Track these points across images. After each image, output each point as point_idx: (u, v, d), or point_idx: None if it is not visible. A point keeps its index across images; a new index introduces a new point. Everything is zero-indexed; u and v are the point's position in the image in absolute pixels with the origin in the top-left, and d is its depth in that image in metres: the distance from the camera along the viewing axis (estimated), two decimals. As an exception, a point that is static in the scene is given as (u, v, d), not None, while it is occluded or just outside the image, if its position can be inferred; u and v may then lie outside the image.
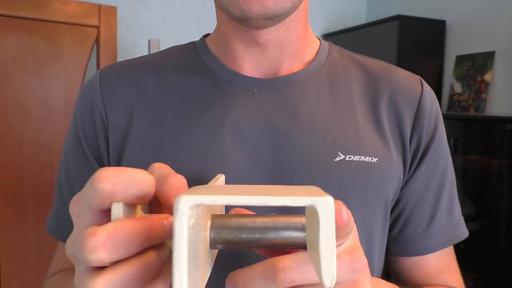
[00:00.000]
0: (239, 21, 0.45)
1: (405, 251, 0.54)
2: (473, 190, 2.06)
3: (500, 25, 2.29)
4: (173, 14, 2.69)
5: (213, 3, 2.73)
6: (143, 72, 0.53)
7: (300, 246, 0.27)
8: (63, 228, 0.53)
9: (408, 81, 0.54)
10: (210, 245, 0.27)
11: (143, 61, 0.55)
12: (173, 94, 0.51)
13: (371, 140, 0.49)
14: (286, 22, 0.48)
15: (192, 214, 0.23)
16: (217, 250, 0.30)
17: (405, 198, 0.53)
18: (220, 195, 0.23)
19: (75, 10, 2.34)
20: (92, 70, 2.45)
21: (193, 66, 0.53)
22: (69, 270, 0.52)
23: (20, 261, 2.25)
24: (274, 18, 0.44)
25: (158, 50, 2.60)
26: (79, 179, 0.52)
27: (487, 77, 2.32)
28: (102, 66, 2.43)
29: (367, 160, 0.48)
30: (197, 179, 0.45)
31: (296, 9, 0.46)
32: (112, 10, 2.44)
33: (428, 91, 0.54)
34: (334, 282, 0.23)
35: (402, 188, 0.53)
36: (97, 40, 2.43)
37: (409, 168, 0.52)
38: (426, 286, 0.54)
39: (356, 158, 0.48)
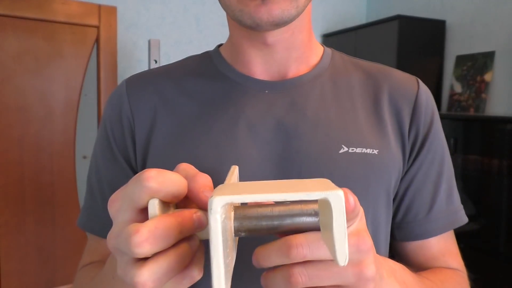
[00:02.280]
0: (250, 28, 0.50)
1: (409, 235, 0.59)
2: (473, 190, 2.06)
3: (500, 25, 2.29)
4: (173, 14, 2.69)
5: (213, 3, 2.74)
6: (164, 80, 0.59)
7: (313, 229, 0.31)
8: (94, 222, 0.59)
9: (405, 80, 0.60)
10: (234, 233, 0.31)
11: (163, 70, 0.61)
12: (191, 98, 0.57)
13: (372, 134, 0.55)
14: (291, 28, 0.54)
15: (222, 211, 0.27)
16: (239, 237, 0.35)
17: (406, 186, 0.58)
18: (246, 194, 0.27)
19: (75, 10, 2.34)
20: (92, 70, 2.45)
21: (208, 73, 0.59)
22: (99, 262, 0.57)
23: (20, 261, 2.25)
24: (281, 25, 0.50)
25: (158, 50, 2.61)
26: (108, 177, 0.58)
27: (487, 77, 2.32)
28: (102, 66, 2.44)
29: (368, 152, 0.53)
30: (215, 172, 0.49)
31: (299, 15, 0.51)
32: (112, 10, 2.45)
33: (424, 88, 0.60)
34: (347, 261, 0.27)
35: (403, 177, 0.58)
36: (97, 40, 2.43)
37: (408, 159, 0.57)
38: (429, 268, 0.58)
39: (358, 150, 0.53)
